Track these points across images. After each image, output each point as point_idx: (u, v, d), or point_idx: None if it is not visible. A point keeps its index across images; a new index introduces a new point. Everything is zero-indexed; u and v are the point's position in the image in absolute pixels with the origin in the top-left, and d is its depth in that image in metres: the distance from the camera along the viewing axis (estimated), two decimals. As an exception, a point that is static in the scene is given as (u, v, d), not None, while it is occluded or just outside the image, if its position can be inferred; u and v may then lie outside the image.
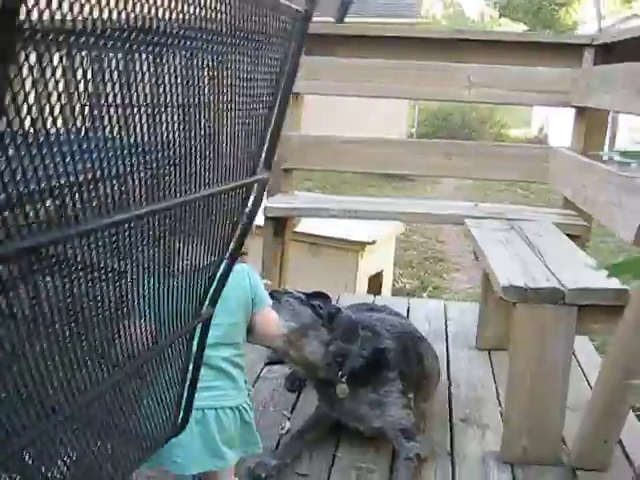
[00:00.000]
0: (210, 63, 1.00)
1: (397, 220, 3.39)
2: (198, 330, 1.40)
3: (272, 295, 2.16)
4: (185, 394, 1.42)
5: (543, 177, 3.53)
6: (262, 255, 3.57)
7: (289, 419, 2.64)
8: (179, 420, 1.44)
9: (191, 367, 1.40)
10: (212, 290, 1.36)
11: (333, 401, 2.39)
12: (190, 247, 1.20)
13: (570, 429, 2.37)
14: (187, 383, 1.41)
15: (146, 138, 0.88)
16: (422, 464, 2.33)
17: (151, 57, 0.85)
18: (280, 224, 3.52)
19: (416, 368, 2.47)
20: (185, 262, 1.21)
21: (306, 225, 4.71)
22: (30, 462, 1.18)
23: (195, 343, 1.40)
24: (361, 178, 10.17)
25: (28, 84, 0.63)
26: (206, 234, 1.21)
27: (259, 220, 3.67)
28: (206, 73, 1.00)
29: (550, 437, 2.34)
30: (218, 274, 1.34)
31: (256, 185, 1.27)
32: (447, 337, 3.51)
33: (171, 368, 1.33)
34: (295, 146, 3.68)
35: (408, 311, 3.84)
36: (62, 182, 0.75)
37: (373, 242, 4.68)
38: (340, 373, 2.30)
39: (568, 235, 3.00)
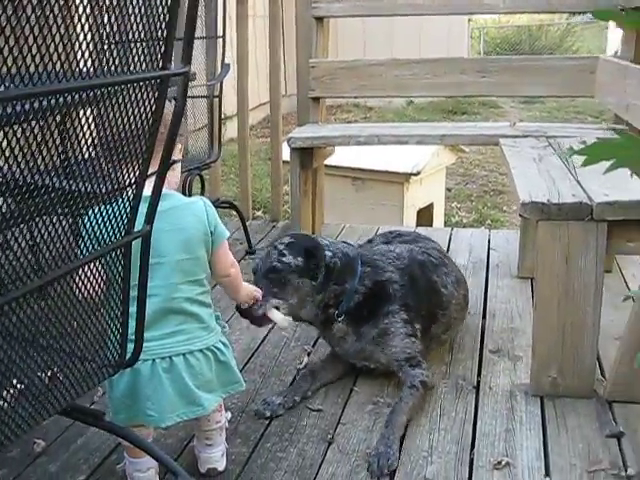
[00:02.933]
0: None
1: (425, 144, 3.16)
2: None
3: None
4: (132, 323, 1.33)
5: (590, 91, 3.22)
6: (290, 190, 3.43)
7: (309, 354, 2.54)
8: (130, 351, 1.35)
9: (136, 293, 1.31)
10: (147, 209, 1.25)
11: (338, 342, 2.29)
12: (105, 156, 1.08)
13: (611, 359, 2.18)
14: (132, 310, 1.32)
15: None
16: (429, 393, 2.21)
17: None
18: (307, 155, 3.35)
19: (427, 298, 2.31)
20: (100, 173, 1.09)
21: (347, 158, 4.55)
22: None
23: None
24: (416, 113, 9.80)
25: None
26: (120, 140, 1.08)
27: (285, 154, 3.52)
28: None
29: (582, 368, 2.15)
30: (146, 191, 1.21)
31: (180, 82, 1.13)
32: (488, 266, 3.31)
33: (108, 287, 1.24)
34: (322, 73, 3.48)
35: (450, 241, 3.66)
36: None
37: (417, 173, 4.46)
38: (336, 313, 2.20)
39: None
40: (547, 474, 1.85)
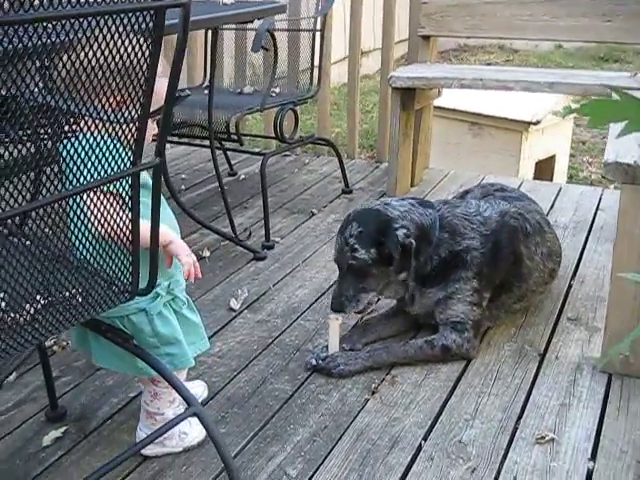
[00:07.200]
0: None
1: (531, 91, 2.89)
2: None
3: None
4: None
5: None
6: (389, 130, 3.32)
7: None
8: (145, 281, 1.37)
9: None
10: (160, 139, 1.24)
11: (404, 299, 2.23)
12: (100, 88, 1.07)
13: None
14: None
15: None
16: (447, 360, 2.13)
17: None
18: (408, 96, 3.22)
19: (506, 268, 2.19)
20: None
21: (465, 102, 4.35)
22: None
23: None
24: (563, 58, 9.12)
25: None
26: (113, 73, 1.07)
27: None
28: None
29: (658, 348, 1.96)
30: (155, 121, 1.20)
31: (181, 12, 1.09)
32: (591, 228, 3.08)
33: (117, 212, 1.26)
34: (433, 10, 3.30)
35: (556, 197, 3.43)
36: None
37: (537, 122, 4.19)
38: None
39: None
40: (592, 458, 1.72)
